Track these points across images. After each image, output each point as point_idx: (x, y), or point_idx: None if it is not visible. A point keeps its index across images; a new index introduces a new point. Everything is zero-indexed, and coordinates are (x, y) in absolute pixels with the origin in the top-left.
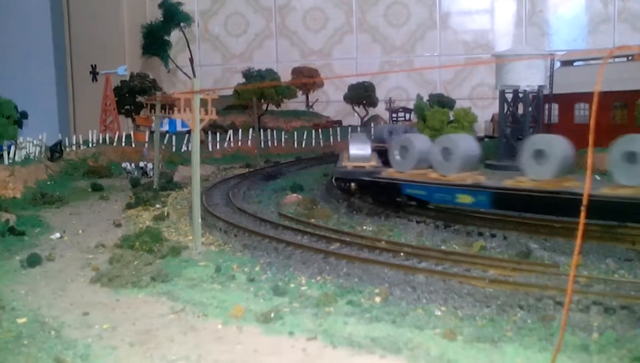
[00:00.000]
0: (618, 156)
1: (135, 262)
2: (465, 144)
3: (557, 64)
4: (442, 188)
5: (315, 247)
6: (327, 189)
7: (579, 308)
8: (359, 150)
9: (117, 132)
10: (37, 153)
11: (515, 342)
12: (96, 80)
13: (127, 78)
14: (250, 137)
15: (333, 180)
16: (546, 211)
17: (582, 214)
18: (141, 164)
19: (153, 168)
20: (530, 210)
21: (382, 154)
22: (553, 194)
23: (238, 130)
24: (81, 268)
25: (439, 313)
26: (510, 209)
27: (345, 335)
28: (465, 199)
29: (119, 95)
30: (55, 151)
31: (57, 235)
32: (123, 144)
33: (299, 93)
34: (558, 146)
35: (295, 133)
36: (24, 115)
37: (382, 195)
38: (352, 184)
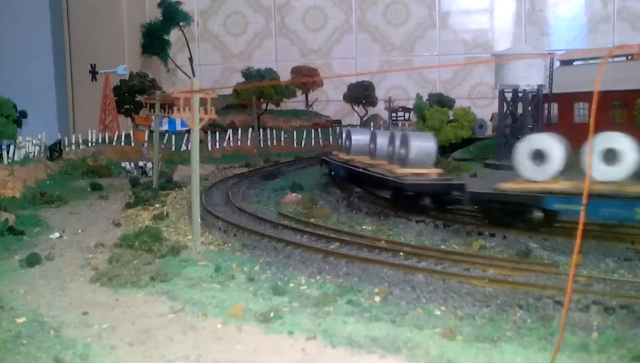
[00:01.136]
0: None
1: (135, 262)
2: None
3: (557, 64)
4: (340, 166)
5: (315, 246)
6: (327, 188)
7: (579, 307)
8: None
9: (117, 132)
10: (36, 153)
11: (515, 341)
12: (95, 79)
13: (127, 77)
14: (249, 136)
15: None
16: (362, 183)
17: (582, 213)
18: (140, 163)
19: (152, 168)
20: (358, 183)
21: None
22: (360, 170)
23: (237, 129)
24: (80, 267)
25: (439, 312)
26: (353, 183)
27: (345, 334)
28: (344, 173)
29: (119, 94)
30: (54, 151)
31: (57, 234)
32: (122, 143)
33: (299, 92)
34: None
35: (295, 132)
36: (23, 114)
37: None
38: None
